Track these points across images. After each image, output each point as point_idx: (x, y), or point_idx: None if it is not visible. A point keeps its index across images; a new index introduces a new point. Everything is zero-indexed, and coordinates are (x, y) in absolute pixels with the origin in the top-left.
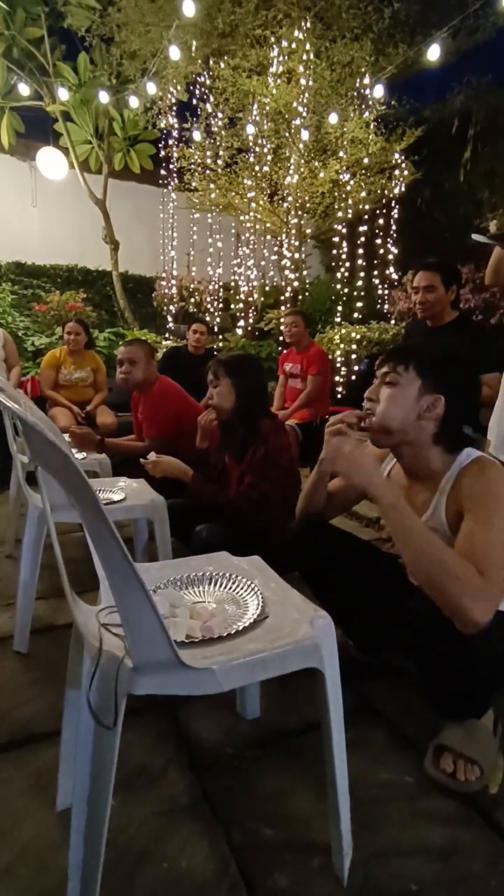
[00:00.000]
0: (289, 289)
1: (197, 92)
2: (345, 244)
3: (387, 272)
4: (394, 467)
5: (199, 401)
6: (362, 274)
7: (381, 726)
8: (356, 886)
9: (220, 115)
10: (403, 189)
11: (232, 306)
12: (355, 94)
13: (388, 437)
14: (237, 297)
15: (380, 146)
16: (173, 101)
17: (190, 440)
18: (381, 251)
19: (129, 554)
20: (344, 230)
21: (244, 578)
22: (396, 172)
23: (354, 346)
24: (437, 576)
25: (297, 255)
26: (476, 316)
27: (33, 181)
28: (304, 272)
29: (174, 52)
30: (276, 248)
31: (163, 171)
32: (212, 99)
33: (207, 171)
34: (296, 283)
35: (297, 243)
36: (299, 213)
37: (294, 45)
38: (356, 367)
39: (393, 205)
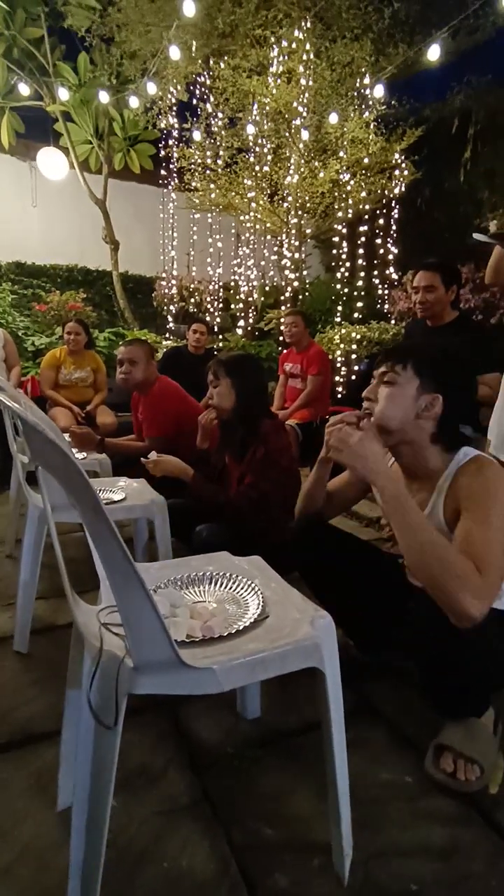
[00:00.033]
0: (289, 289)
1: (197, 92)
2: (345, 244)
3: (387, 272)
4: (392, 467)
5: (199, 401)
6: (362, 274)
7: (381, 726)
8: (356, 886)
9: (220, 115)
10: (403, 189)
11: (232, 306)
12: (355, 94)
13: (386, 437)
14: (237, 297)
15: (380, 146)
16: (173, 101)
17: (190, 440)
18: (381, 251)
19: (129, 554)
20: (344, 230)
21: (244, 578)
22: (396, 172)
23: (354, 346)
24: (436, 570)
25: (297, 255)
26: (476, 316)
27: (33, 181)
28: (304, 272)
29: (174, 52)
30: (276, 248)
31: (163, 171)
32: (212, 99)
33: (207, 171)
34: (296, 283)
35: (297, 243)
36: (299, 213)
37: (294, 45)
38: (356, 367)
39: (393, 205)
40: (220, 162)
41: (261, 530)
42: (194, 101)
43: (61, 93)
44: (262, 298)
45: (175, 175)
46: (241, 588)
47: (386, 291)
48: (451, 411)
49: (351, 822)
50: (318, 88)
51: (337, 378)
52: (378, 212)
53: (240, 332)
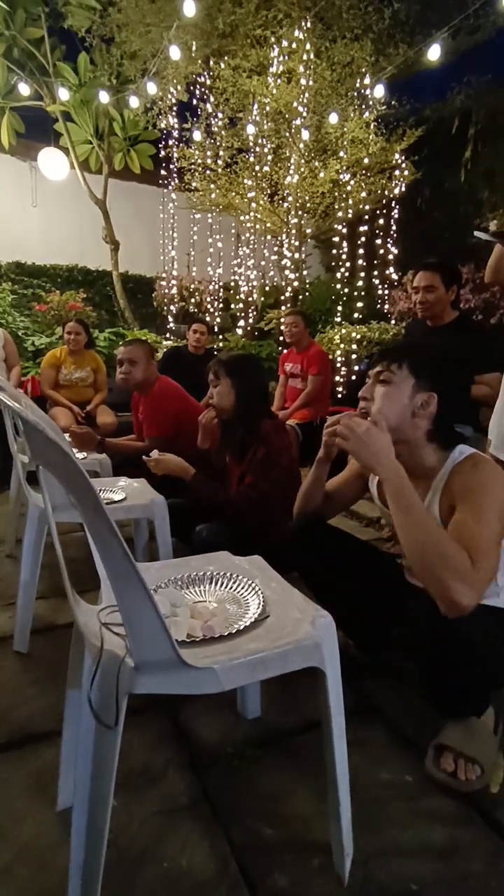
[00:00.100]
0: (289, 289)
1: (197, 92)
2: (345, 244)
3: (387, 272)
4: None
5: (199, 401)
6: (362, 274)
7: (381, 726)
8: (356, 886)
9: (220, 115)
10: (403, 189)
11: (232, 306)
12: (355, 94)
13: None
14: (237, 297)
15: (380, 146)
16: (173, 101)
17: (190, 440)
18: (381, 251)
19: (130, 553)
20: (344, 230)
21: (245, 578)
22: (396, 172)
23: (354, 346)
24: (432, 560)
25: (297, 255)
26: (476, 316)
27: (33, 181)
28: (304, 272)
29: (174, 53)
30: (276, 248)
31: (163, 171)
32: (212, 99)
33: (207, 172)
34: (296, 283)
35: (297, 243)
36: (299, 213)
37: (294, 45)
38: (356, 367)
39: (393, 205)
40: (220, 162)
41: (261, 530)
42: (194, 101)
43: (61, 93)
44: (262, 298)
45: (175, 175)
46: (242, 588)
47: (386, 291)
48: (446, 410)
49: (351, 821)
50: (318, 88)
51: (337, 378)
52: (378, 212)
53: (240, 332)
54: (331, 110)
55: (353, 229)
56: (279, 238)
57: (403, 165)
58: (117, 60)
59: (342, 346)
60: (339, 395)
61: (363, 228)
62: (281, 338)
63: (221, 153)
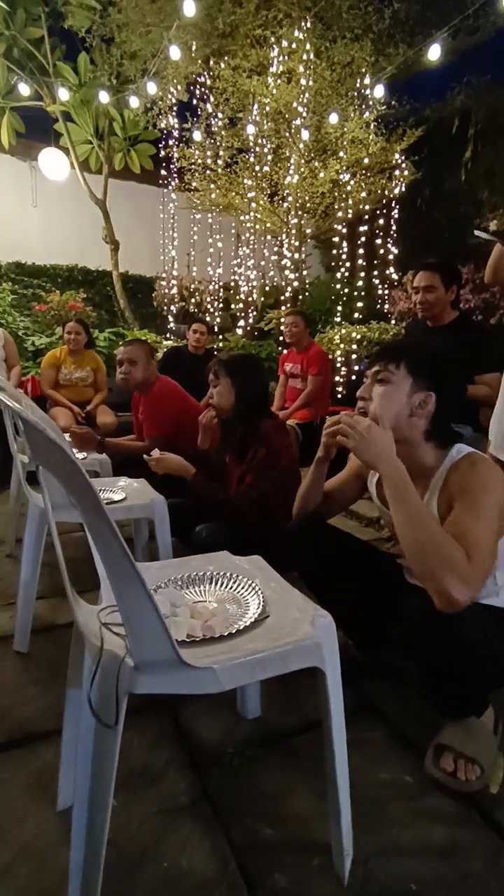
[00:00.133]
0: (289, 289)
1: (197, 92)
2: (345, 244)
3: (387, 272)
4: None
5: (200, 401)
6: (362, 274)
7: (381, 726)
8: (356, 886)
9: (220, 115)
10: (403, 189)
11: (232, 306)
12: (355, 94)
13: None
14: (237, 297)
15: (380, 146)
16: (173, 101)
17: (190, 440)
18: (381, 251)
19: (130, 553)
20: (344, 230)
21: (245, 578)
22: (396, 172)
23: (354, 346)
24: (428, 554)
25: (297, 255)
26: (476, 316)
27: (33, 181)
28: (304, 272)
29: (174, 53)
30: (276, 248)
31: (163, 171)
32: (212, 99)
33: (207, 172)
34: (296, 283)
35: (297, 243)
36: (299, 213)
37: (294, 45)
38: (356, 367)
39: (393, 205)
40: (220, 162)
41: (261, 530)
42: (194, 101)
43: (61, 93)
44: (262, 298)
45: (175, 175)
46: (242, 588)
47: (386, 291)
48: (444, 409)
49: (351, 821)
50: (318, 88)
51: (337, 378)
52: (378, 212)
53: (240, 332)
54: (331, 110)
55: (353, 229)
56: (279, 238)
57: (403, 165)
58: (117, 60)
59: (342, 346)
60: (339, 395)
61: (363, 228)
62: (281, 338)
63: (221, 153)
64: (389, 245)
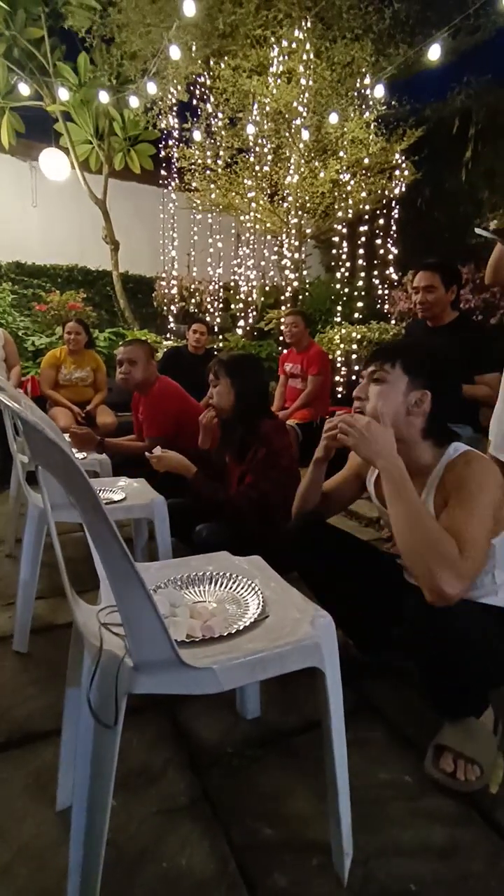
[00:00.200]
0: (289, 289)
1: (197, 92)
2: (345, 244)
3: (387, 272)
4: None
5: (200, 401)
6: (362, 274)
7: (381, 726)
8: (356, 886)
9: (220, 115)
10: (403, 189)
11: (232, 306)
12: (355, 94)
13: None
14: (237, 297)
15: (380, 146)
16: (173, 101)
17: (190, 440)
18: (381, 251)
19: (129, 553)
20: (344, 230)
21: (244, 578)
22: (396, 173)
23: (354, 346)
24: (421, 548)
25: (297, 255)
26: (476, 316)
27: (33, 181)
28: (304, 272)
29: (174, 53)
30: (276, 248)
31: (163, 172)
32: (212, 99)
33: (207, 172)
34: (296, 283)
35: (297, 243)
36: (299, 213)
37: (294, 45)
38: (356, 367)
39: (393, 205)
40: (220, 162)
41: (261, 530)
42: (194, 102)
43: (61, 93)
44: (262, 298)
45: (175, 175)
46: (241, 588)
47: (386, 291)
48: (440, 407)
49: (350, 821)
50: (318, 88)
51: (337, 378)
52: (378, 212)
53: (240, 332)
54: (331, 110)
55: (353, 229)
56: (279, 238)
57: (403, 165)
58: (117, 60)
59: (342, 346)
60: (339, 395)
61: (363, 228)
62: (281, 338)
63: (221, 153)
64: (389, 245)
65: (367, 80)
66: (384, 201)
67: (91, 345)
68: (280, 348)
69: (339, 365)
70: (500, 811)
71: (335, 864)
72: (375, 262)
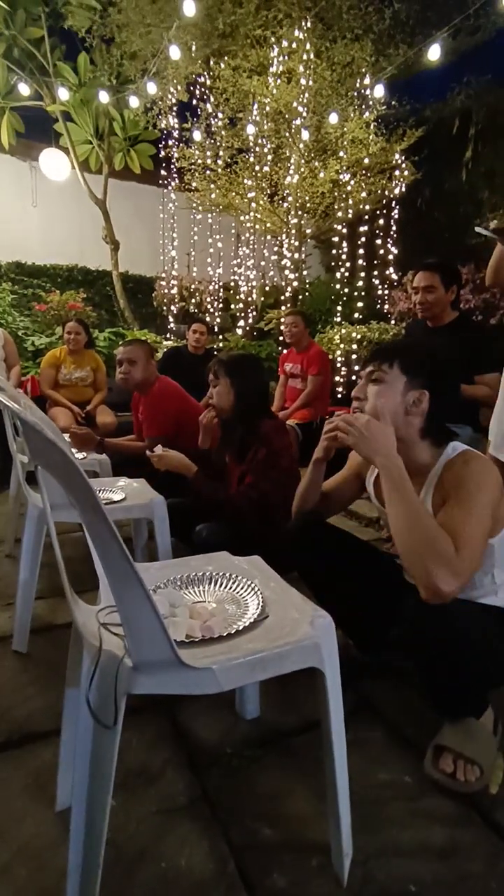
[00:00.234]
0: (289, 289)
1: (197, 92)
2: (345, 244)
3: (387, 272)
4: None
5: (200, 401)
6: (362, 274)
7: (380, 726)
8: (355, 886)
9: (220, 115)
10: (403, 189)
11: (232, 306)
12: (355, 94)
13: None
14: (237, 297)
15: (380, 146)
16: (173, 101)
17: (190, 440)
18: (381, 251)
19: (128, 553)
20: (344, 230)
21: (244, 578)
22: (396, 173)
23: (354, 346)
24: (417, 545)
25: (297, 255)
26: (476, 316)
27: (33, 181)
28: (304, 272)
29: (174, 53)
30: (276, 248)
31: (163, 172)
32: (212, 99)
33: (207, 172)
34: (296, 283)
35: (297, 243)
36: (299, 213)
37: (294, 46)
38: (356, 367)
39: (393, 205)
40: (220, 162)
41: (261, 530)
42: (194, 102)
43: (61, 93)
44: (262, 298)
45: (175, 175)
46: (241, 588)
47: (386, 292)
48: (438, 407)
49: (350, 822)
50: (318, 88)
51: (337, 378)
52: (378, 212)
53: (240, 332)
54: (331, 110)
55: (353, 229)
56: (279, 238)
57: (403, 166)
58: (117, 60)
59: (342, 346)
60: (339, 395)
61: (363, 228)
62: (281, 338)
63: (221, 153)
64: (389, 245)
65: (367, 80)
66: (384, 201)
67: (91, 345)
68: (280, 348)
69: (339, 365)
70: (499, 812)
71: (334, 864)
72: (375, 262)
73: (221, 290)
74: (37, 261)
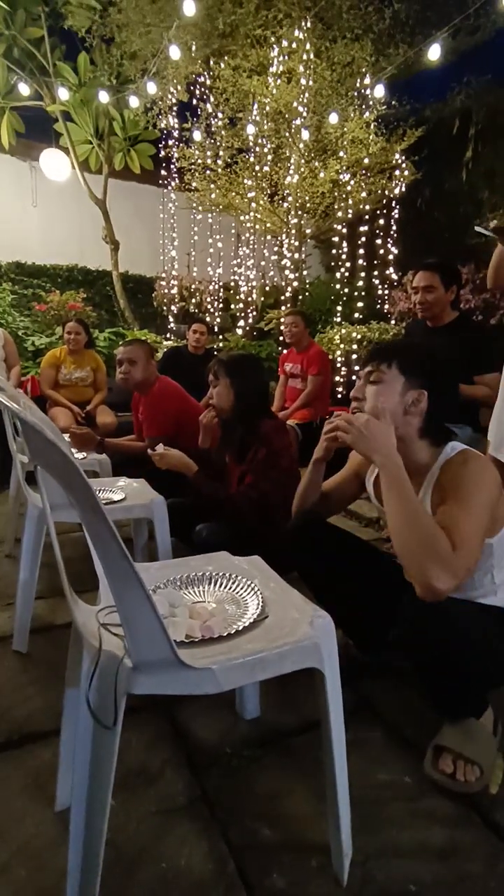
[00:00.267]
0: (289, 289)
1: (197, 92)
2: (345, 244)
3: (387, 272)
4: None
5: (200, 401)
6: (362, 274)
7: (380, 726)
8: (355, 887)
9: (220, 115)
10: (403, 189)
11: (232, 306)
12: (355, 94)
13: None
14: (237, 297)
15: (380, 146)
16: (173, 101)
17: (191, 440)
18: (381, 251)
19: (128, 553)
20: (344, 230)
21: (244, 578)
22: (396, 173)
23: (354, 346)
24: (414, 542)
25: (297, 255)
26: (476, 316)
27: (33, 181)
28: (304, 272)
29: (174, 53)
30: (276, 248)
31: (163, 171)
32: (212, 99)
33: (207, 172)
34: (296, 283)
35: (297, 243)
36: (299, 213)
37: (294, 45)
38: (356, 368)
39: (393, 205)
40: (220, 162)
41: (261, 530)
42: (194, 102)
43: (61, 93)
44: (262, 298)
45: (175, 175)
46: (241, 588)
47: (386, 292)
48: (437, 407)
49: (350, 822)
50: (318, 88)
51: (337, 378)
52: (378, 212)
53: (240, 332)
54: (331, 110)
55: (353, 229)
56: (279, 238)
57: (403, 165)
58: (117, 60)
59: (342, 346)
60: (339, 396)
61: (363, 228)
62: (281, 338)
63: (221, 153)
64: (389, 245)
65: (367, 80)
66: (384, 201)
67: (91, 345)
68: (280, 348)
69: (339, 365)
70: (499, 812)
71: (334, 864)
72: (375, 262)
73: (221, 290)
74: (37, 261)
